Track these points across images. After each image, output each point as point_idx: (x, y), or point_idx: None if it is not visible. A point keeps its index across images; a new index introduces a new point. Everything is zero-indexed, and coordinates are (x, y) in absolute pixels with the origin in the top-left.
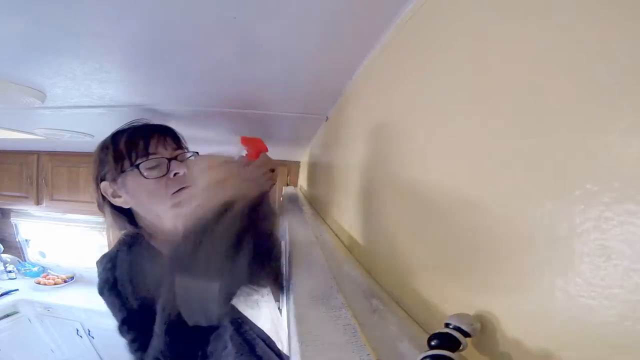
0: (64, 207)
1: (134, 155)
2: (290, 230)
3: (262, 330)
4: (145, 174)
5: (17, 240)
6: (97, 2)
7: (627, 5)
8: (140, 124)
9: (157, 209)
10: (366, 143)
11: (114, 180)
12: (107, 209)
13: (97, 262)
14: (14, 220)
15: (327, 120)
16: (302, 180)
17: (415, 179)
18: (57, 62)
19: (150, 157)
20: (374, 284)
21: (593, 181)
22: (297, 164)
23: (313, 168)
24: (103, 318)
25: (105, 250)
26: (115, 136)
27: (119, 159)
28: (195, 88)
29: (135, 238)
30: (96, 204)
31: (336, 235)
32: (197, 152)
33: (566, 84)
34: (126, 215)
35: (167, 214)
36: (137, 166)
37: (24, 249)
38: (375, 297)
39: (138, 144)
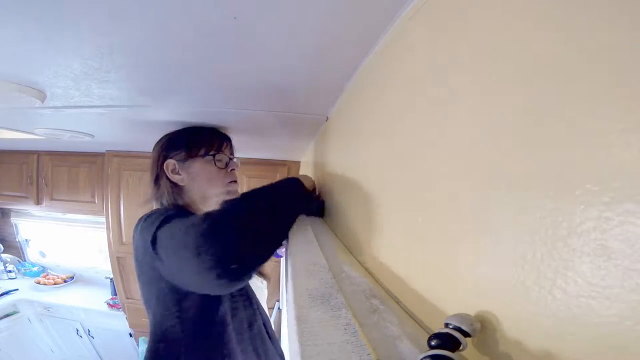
0: (64, 207)
1: (209, 147)
2: (290, 231)
3: (264, 310)
4: (216, 163)
5: (17, 240)
6: (98, 2)
7: (627, 4)
8: (214, 128)
9: (211, 192)
10: (365, 143)
11: (183, 160)
12: (165, 182)
13: (147, 215)
14: (14, 220)
15: (327, 120)
16: None
17: (414, 179)
18: (57, 62)
19: (221, 152)
20: (374, 283)
21: (593, 181)
22: (297, 164)
23: (313, 168)
24: (103, 318)
25: (106, 250)
26: (195, 130)
27: (198, 146)
28: (195, 88)
29: (184, 208)
30: (153, 178)
31: (336, 235)
32: (239, 159)
33: (566, 83)
34: (177, 190)
35: (216, 197)
36: (214, 155)
37: (24, 249)
38: (375, 297)
39: (216, 141)
